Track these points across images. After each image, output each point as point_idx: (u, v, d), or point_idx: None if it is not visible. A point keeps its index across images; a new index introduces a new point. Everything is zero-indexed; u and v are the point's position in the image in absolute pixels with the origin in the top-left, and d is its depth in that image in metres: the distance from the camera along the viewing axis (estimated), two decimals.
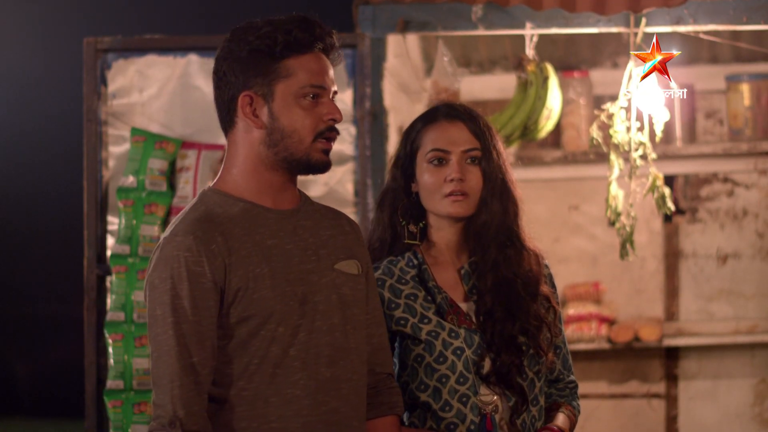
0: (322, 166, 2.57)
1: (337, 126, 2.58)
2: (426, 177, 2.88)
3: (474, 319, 2.86)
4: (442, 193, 2.86)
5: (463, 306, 2.88)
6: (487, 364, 2.83)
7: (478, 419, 2.81)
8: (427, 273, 2.89)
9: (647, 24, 4.18)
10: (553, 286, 2.97)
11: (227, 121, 2.60)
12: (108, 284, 4.27)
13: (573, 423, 2.97)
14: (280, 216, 2.57)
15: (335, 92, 2.60)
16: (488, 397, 2.83)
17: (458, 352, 2.82)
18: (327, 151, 2.56)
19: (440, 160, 2.87)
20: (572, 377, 3.02)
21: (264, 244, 2.52)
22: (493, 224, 2.86)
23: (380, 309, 2.73)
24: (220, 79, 2.60)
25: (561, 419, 2.93)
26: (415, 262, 2.91)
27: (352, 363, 2.57)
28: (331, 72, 2.58)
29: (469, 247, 2.92)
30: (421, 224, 2.93)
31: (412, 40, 4.96)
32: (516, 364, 2.81)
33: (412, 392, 2.85)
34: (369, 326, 2.68)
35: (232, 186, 2.57)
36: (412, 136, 2.92)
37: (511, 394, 2.83)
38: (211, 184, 2.62)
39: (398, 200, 2.93)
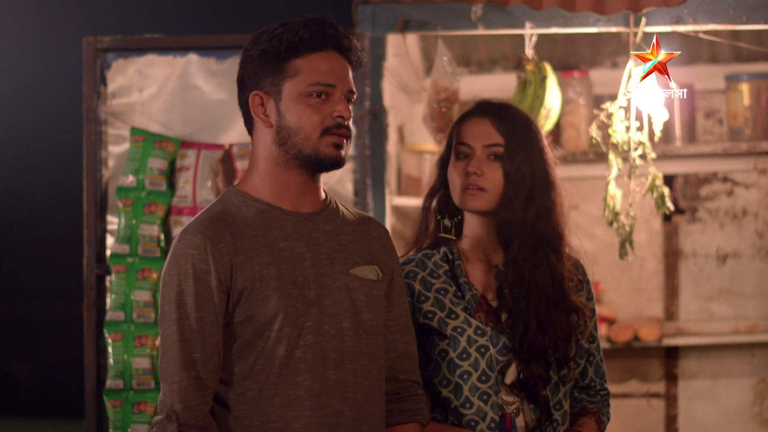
0: (332, 161, 2.57)
1: None
2: (450, 170, 2.91)
3: (503, 318, 2.85)
4: (461, 187, 2.87)
5: (494, 304, 2.87)
6: (512, 372, 2.83)
7: (498, 418, 2.81)
8: (459, 269, 2.89)
9: (647, 23, 4.18)
10: (590, 293, 2.95)
11: (248, 123, 2.62)
12: (107, 284, 4.27)
13: (601, 430, 2.95)
14: (297, 219, 2.58)
15: (351, 92, 2.60)
16: (510, 397, 2.83)
17: (482, 350, 2.81)
18: (338, 146, 2.56)
19: (464, 154, 2.88)
20: (605, 385, 3.00)
21: (275, 245, 2.54)
22: (517, 223, 2.85)
23: (407, 316, 2.72)
24: (239, 83, 2.62)
25: (588, 425, 2.92)
26: (450, 257, 2.91)
27: (362, 367, 2.57)
28: (345, 71, 2.58)
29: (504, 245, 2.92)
30: (456, 219, 2.93)
31: (412, 39, 4.96)
32: (543, 378, 2.80)
33: (434, 387, 2.85)
34: (392, 332, 2.68)
35: (252, 186, 2.60)
36: (451, 132, 2.95)
37: (535, 407, 2.82)
38: (235, 182, 2.64)
39: (435, 194, 2.95)
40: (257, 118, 2.57)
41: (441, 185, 2.94)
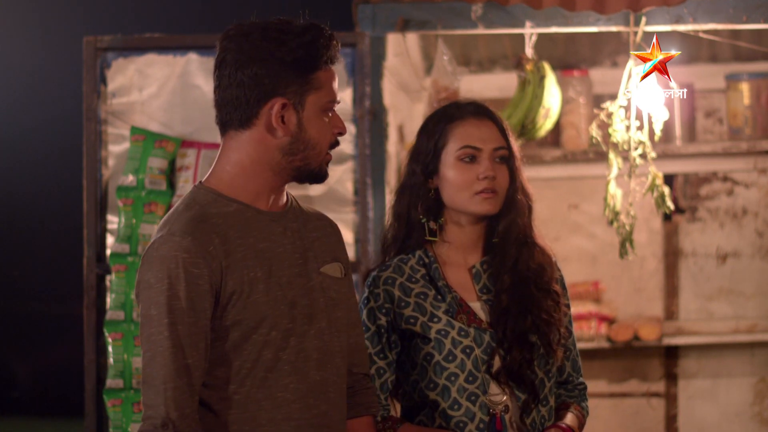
0: (325, 177, 2.59)
1: None
2: (454, 174, 2.88)
3: (484, 318, 2.86)
4: (473, 191, 2.86)
5: (474, 305, 2.88)
6: (496, 362, 2.83)
7: (487, 418, 2.81)
8: (437, 272, 2.89)
9: (647, 23, 4.18)
10: (564, 288, 2.98)
11: (242, 120, 2.54)
12: (108, 283, 4.27)
13: (582, 423, 2.98)
14: (270, 218, 2.55)
15: None
16: (498, 396, 2.83)
17: (467, 350, 2.82)
18: (329, 162, 2.58)
19: (471, 157, 2.87)
20: (581, 379, 3.03)
21: (257, 247, 2.51)
22: (518, 223, 2.88)
23: (356, 309, 2.72)
24: (249, 78, 2.51)
25: (570, 418, 2.94)
26: (426, 260, 2.91)
27: (336, 366, 2.57)
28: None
29: (482, 245, 2.93)
30: (440, 221, 2.93)
31: (412, 38, 4.96)
32: (527, 360, 2.82)
33: (421, 391, 2.85)
34: (347, 327, 2.67)
35: (226, 185, 2.54)
36: (436, 132, 2.91)
37: (522, 391, 2.83)
38: (202, 180, 2.59)
39: (417, 196, 2.92)
40: (276, 123, 2.50)
41: (424, 187, 2.92)
